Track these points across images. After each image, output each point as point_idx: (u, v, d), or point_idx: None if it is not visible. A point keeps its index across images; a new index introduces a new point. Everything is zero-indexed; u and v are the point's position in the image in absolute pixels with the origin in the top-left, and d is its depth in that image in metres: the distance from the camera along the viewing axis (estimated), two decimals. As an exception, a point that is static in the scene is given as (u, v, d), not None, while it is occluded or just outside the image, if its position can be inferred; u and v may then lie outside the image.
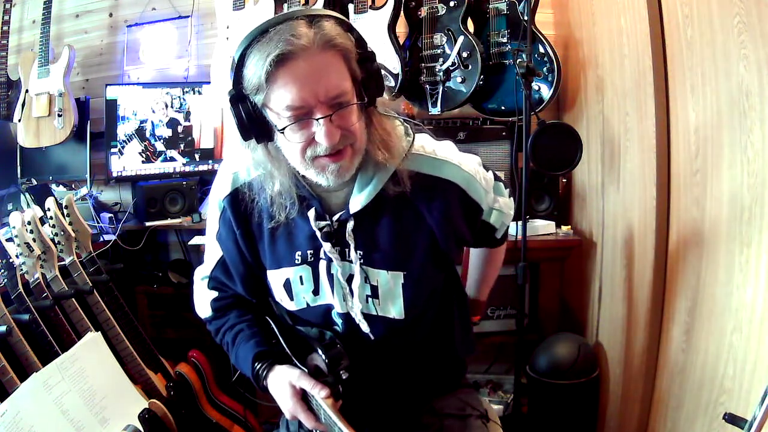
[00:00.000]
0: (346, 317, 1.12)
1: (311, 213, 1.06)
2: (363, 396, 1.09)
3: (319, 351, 1.07)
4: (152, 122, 2.48)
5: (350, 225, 1.06)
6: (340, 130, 0.94)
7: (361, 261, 1.07)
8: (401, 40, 2.36)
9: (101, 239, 2.34)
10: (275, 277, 1.14)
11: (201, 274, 1.25)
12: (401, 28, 2.37)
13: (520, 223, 1.81)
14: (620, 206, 1.93)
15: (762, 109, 1.22)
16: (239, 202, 1.11)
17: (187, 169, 2.58)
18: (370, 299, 1.10)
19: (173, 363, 2.04)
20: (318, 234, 1.07)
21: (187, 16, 2.68)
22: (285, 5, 2.35)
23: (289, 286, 1.13)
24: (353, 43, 0.96)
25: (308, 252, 1.09)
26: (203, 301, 1.26)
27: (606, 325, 2.05)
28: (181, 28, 2.69)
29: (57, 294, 1.75)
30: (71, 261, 1.84)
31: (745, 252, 1.29)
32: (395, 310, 1.10)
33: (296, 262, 1.10)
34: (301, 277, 1.11)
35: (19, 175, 2.52)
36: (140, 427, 1.58)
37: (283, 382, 1.09)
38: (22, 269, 1.69)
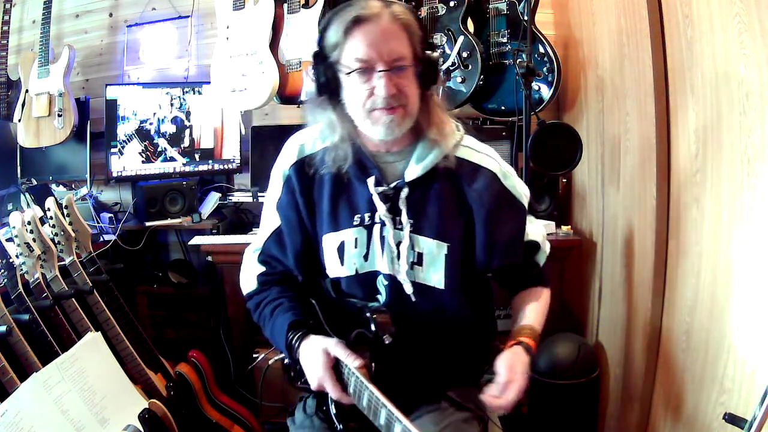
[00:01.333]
0: (392, 282, 1.20)
1: (371, 180, 1.19)
2: (391, 369, 1.13)
3: (368, 313, 1.11)
4: (159, 118, 2.49)
5: (404, 192, 1.18)
6: (395, 88, 1.10)
7: (411, 229, 1.18)
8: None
9: (101, 239, 2.34)
10: (330, 241, 1.22)
11: (253, 247, 1.33)
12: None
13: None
14: (620, 206, 1.93)
15: (762, 109, 1.22)
16: (304, 170, 1.23)
17: (187, 169, 2.58)
18: (414, 266, 1.20)
19: (173, 363, 2.04)
20: (376, 197, 1.18)
21: (187, 16, 2.68)
22: (285, 5, 2.36)
23: (342, 249, 1.21)
24: (418, 28, 1.14)
25: (366, 215, 1.20)
26: (250, 275, 1.31)
27: (606, 325, 2.05)
28: (181, 28, 2.70)
29: (57, 294, 1.75)
30: (71, 261, 1.84)
31: (746, 252, 1.29)
32: (436, 278, 1.19)
33: (354, 223, 1.21)
34: (356, 240, 1.21)
35: (19, 175, 2.52)
36: (140, 427, 1.58)
37: (317, 350, 1.13)
38: (22, 269, 1.69)
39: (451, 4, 2.24)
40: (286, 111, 2.65)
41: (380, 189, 1.18)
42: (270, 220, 1.28)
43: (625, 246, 1.87)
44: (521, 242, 1.27)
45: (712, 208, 1.41)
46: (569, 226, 2.29)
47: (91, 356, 1.63)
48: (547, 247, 1.34)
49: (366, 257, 1.21)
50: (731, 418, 1.03)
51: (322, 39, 1.15)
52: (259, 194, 2.54)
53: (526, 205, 1.26)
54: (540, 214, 2.29)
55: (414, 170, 1.18)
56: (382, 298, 1.22)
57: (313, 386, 1.14)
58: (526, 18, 2.10)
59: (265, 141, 2.58)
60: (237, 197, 2.58)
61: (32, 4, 2.71)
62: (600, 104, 2.06)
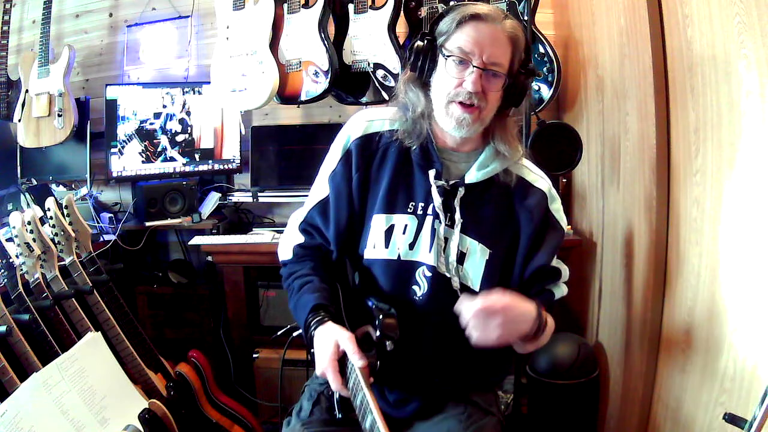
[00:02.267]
0: (434, 273, 1.22)
1: (432, 172, 1.22)
2: (397, 370, 1.16)
3: (377, 317, 1.14)
4: (168, 114, 2.49)
5: (460, 192, 1.22)
6: (481, 88, 1.15)
7: (460, 229, 1.22)
8: (401, 40, 2.36)
9: (101, 239, 2.34)
10: (379, 222, 1.24)
11: (297, 215, 1.36)
12: (401, 28, 2.37)
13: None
14: (620, 206, 1.93)
15: (762, 109, 1.22)
16: (367, 146, 1.26)
17: (187, 169, 2.58)
18: (455, 263, 1.23)
19: (173, 363, 2.04)
20: (434, 189, 1.22)
21: (187, 16, 2.68)
22: (285, 5, 2.36)
23: (391, 232, 1.24)
24: (523, 48, 1.19)
25: (420, 204, 1.24)
26: (288, 243, 1.34)
27: (606, 325, 2.05)
28: (181, 28, 2.70)
29: (57, 294, 1.75)
30: (71, 261, 1.84)
31: (745, 252, 1.29)
32: (473, 280, 1.23)
33: (408, 210, 1.24)
34: (405, 226, 1.24)
35: (19, 175, 2.52)
36: (140, 427, 1.58)
37: (330, 339, 1.14)
38: (22, 269, 1.69)
39: (452, 4, 2.24)
40: (286, 111, 2.65)
41: (439, 183, 1.22)
42: (319, 189, 1.30)
43: (625, 246, 1.87)
44: (553, 258, 1.32)
45: (712, 208, 1.42)
46: (569, 226, 2.29)
47: (91, 356, 1.63)
48: (564, 290, 1.38)
49: (412, 246, 1.23)
50: (731, 418, 1.03)
51: (435, 24, 1.21)
52: (259, 194, 2.54)
53: (565, 232, 1.32)
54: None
55: (474, 174, 1.23)
56: (419, 290, 1.23)
57: (318, 372, 1.15)
58: (526, 18, 2.10)
59: (265, 141, 2.58)
60: (237, 197, 2.59)
61: (32, 4, 2.71)
62: (600, 104, 2.06)
